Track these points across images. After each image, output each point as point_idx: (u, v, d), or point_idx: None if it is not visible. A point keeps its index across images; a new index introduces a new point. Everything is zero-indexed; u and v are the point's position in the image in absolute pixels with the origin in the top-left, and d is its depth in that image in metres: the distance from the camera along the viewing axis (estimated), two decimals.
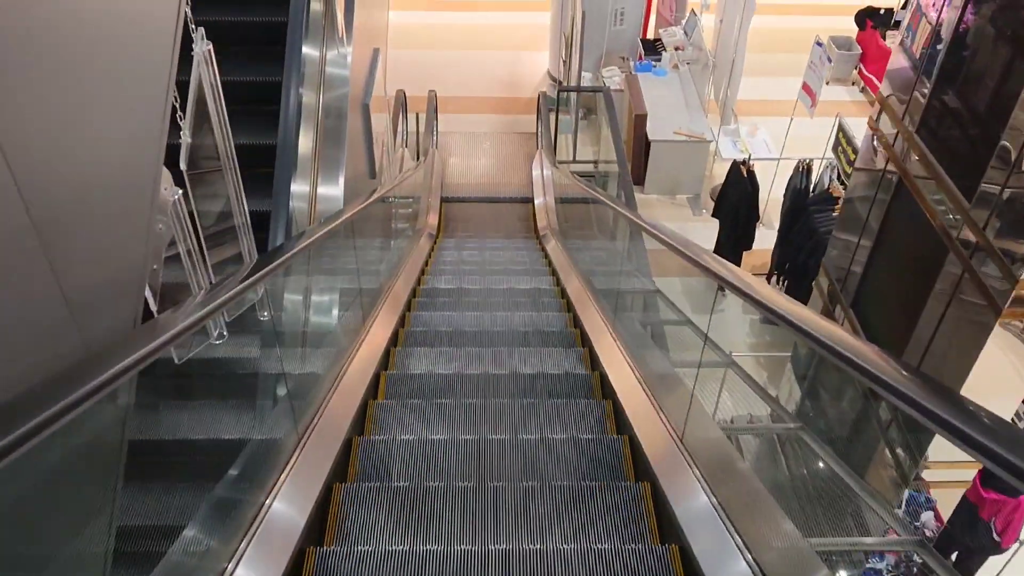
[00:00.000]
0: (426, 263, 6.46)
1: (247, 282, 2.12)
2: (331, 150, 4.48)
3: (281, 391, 2.65)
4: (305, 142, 4.24)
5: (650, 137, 9.07)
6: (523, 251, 7.30)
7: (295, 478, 2.45)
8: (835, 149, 6.76)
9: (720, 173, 9.61)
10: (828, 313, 4.73)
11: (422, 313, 4.93)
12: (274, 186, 3.60)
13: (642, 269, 5.56)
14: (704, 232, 9.01)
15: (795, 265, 7.15)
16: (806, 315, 1.72)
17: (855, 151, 6.41)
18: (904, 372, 1.40)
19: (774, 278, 7.73)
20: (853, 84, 11.41)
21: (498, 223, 8.77)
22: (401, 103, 8.80)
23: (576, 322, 4.63)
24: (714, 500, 2.30)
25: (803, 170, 7.31)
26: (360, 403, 3.27)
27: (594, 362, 4.00)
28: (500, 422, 3.33)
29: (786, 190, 7.65)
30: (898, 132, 4.44)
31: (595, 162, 9.88)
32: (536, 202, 8.76)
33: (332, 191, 4.40)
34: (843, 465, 2.29)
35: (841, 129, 6.60)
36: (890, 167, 4.45)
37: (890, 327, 4.31)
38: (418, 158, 7.96)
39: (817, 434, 2.55)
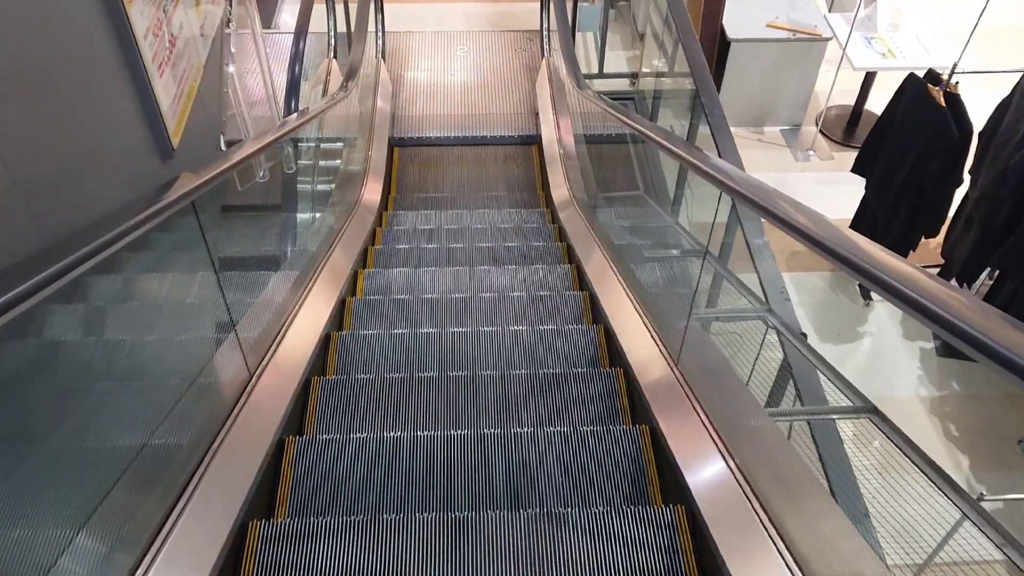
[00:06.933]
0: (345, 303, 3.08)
1: None
2: None
3: None
4: None
5: (730, 35, 5.56)
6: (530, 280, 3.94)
7: None
8: None
9: (839, 93, 6.10)
10: None
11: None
12: None
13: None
14: (815, 189, 5.63)
15: None
16: None
17: None
18: None
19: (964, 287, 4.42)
20: None
21: (482, 188, 5.32)
22: None
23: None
24: None
25: None
26: None
27: None
28: None
29: (999, 126, 4.23)
30: None
31: (633, 76, 6.36)
32: (546, 150, 5.31)
33: None
34: None
35: None
36: None
37: None
38: (346, 80, 4.44)
39: None
